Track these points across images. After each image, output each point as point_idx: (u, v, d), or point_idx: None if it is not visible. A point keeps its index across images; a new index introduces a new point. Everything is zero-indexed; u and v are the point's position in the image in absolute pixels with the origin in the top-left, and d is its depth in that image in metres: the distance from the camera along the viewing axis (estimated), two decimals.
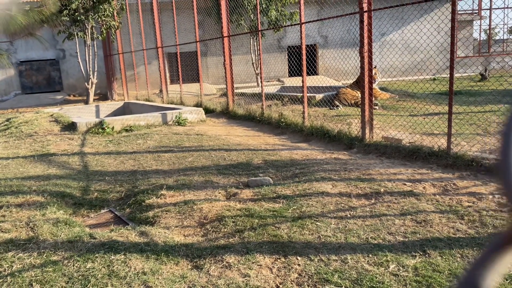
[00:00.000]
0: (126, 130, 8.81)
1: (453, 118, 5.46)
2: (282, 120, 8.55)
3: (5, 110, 16.73)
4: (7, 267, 3.07)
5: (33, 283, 2.84)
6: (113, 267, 3.01)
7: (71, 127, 9.01)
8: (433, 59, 17.94)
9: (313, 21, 7.89)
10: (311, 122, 7.94)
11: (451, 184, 4.42)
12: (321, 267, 2.92)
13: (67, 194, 4.98)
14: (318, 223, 3.63)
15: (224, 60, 10.68)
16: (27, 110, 15.51)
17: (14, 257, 3.20)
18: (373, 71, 6.55)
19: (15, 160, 6.79)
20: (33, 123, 9.39)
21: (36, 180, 5.52)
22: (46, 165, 6.43)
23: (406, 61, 18.52)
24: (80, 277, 2.90)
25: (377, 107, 9.35)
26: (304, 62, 7.87)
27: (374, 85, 9.41)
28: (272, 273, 2.91)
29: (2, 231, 3.70)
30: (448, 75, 5.30)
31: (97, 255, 3.18)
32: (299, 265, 2.97)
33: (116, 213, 4.51)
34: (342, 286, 2.66)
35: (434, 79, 16.58)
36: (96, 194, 5.08)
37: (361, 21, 6.29)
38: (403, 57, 20.14)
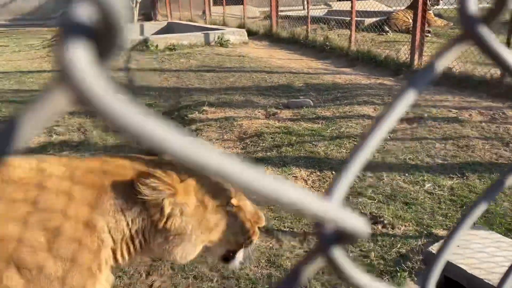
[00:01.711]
0: (170, 49, 8.87)
1: None
2: (327, 43, 8.28)
3: (53, 28, 17.11)
4: None
5: None
6: None
7: None
8: None
9: None
10: (357, 47, 7.65)
11: (500, 113, 4.24)
12: (356, 182, 2.98)
13: None
14: (356, 143, 3.64)
15: None
16: None
17: (67, 156, 3.47)
18: None
19: None
20: None
21: None
22: None
23: None
24: None
25: (429, 35, 8.81)
26: None
27: (429, 11, 8.81)
28: (307, 184, 3.01)
29: (56, 134, 3.98)
30: None
31: None
32: None
33: None
34: (375, 200, 2.73)
35: None
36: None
37: None
38: None
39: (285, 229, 2.46)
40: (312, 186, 2.97)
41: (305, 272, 0.33)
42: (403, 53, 6.69)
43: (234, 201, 1.30)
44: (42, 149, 3.58)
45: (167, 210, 1.20)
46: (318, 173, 3.14)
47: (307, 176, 3.12)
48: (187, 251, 1.28)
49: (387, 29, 9.41)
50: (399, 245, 2.27)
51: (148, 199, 1.17)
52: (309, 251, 0.34)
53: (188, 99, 5.38)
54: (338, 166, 3.23)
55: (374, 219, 2.52)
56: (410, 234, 2.36)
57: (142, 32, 12.02)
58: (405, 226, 2.45)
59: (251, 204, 1.37)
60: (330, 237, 0.33)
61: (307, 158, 3.40)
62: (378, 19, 10.10)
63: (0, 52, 9.37)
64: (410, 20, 8.78)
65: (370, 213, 2.59)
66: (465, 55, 6.79)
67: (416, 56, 6.16)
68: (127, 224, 1.18)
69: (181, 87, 6.04)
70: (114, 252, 1.19)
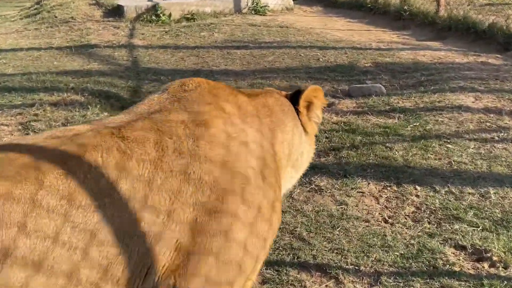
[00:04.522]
0: (187, 19, 8.96)
1: None
2: (405, 8, 8.15)
3: None
4: None
5: None
6: None
7: (116, 12, 9.35)
8: None
9: None
10: (449, 12, 7.48)
11: None
12: (450, 201, 2.87)
13: (112, 95, 5.28)
14: (450, 146, 3.54)
15: None
16: None
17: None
18: None
19: (48, 51, 7.27)
20: (69, 6, 9.86)
21: (74, 76, 5.89)
22: (86, 58, 6.82)
23: None
24: None
25: None
26: None
27: None
28: (378, 203, 2.92)
29: (34, 132, 4.06)
30: None
31: None
32: (417, 196, 2.95)
33: None
34: (479, 227, 2.61)
35: None
36: None
37: None
38: None
39: (347, 266, 2.37)
40: (385, 206, 2.87)
41: None
42: None
43: None
44: None
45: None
46: (395, 188, 3.04)
47: (379, 192, 3.02)
48: None
49: None
50: None
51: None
52: None
53: None
54: (424, 178, 3.12)
55: (478, 255, 2.40)
56: None
57: None
58: None
59: None
60: None
61: (378, 166, 3.31)
62: None
63: None
64: None
65: (471, 245, 2.46)
66: None
67: None
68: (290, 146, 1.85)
69: (201, 69, 6.07)
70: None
